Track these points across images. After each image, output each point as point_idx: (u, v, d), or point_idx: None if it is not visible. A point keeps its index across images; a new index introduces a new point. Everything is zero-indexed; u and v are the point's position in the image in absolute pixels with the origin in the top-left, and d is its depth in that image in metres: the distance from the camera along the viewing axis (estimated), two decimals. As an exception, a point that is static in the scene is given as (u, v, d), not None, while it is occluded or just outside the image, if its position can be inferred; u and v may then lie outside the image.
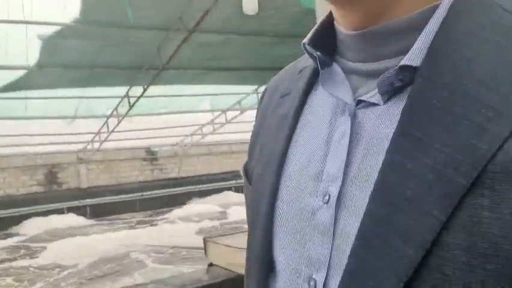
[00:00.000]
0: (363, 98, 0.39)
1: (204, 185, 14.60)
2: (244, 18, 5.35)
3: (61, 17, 4.84)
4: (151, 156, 15.03)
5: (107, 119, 9.39)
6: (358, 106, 0.39)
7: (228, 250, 2.36)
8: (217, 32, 5.73)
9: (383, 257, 0.31)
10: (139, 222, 11.09)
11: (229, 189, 14.79)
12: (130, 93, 7.72)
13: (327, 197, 0.38)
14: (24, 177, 13.13)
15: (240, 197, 13.96)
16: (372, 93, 0.38)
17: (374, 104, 0.38)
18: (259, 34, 5.97)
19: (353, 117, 0.39)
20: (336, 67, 0.43)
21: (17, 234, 10.37)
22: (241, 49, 6.43)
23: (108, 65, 6.39)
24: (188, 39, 5.34)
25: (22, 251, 8.08)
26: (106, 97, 7.98)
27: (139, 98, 7.42)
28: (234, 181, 15.12)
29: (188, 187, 14.31)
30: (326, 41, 0.44)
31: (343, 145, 0.39)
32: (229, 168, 16.08)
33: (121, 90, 7.72)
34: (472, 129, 0.29)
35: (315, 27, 0.45)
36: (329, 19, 0.45)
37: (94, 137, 11.36)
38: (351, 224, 0.35)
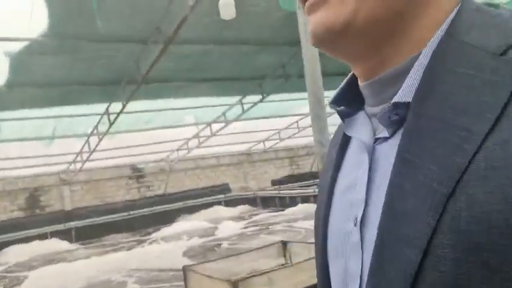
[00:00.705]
0: (378, 136, 0.47)
1: (193, 201, 14.21)
2: (223, 27, 5.13)
3: (28, 32, 4.54)
4: (137, 173, 14.62)
5: (88, 138, 9.05)
6: (376, 143, 0.47)
7: (209, 281, 2.10)
8: (197, 43, 5.50)
9: (392, 262, 0.38)
10: (125, 244, 10.66)
11: (218, 203, 14.43)
12: (111, 110, 7.42)
13: (355, 221, 0.46)
14: (5, 203, 12.62)
15: (229, 211, 13.69)
16: (382, 128, 0.46)
17: (387, 138, 0.45)
18: (239, 43, 5.75)
19: (372, 152, 0.46)
20: (361, 113, 0.51)
21: (-4, 264, 9.85)
22: (222, 59, 6.20)
23: (83, 82, 6.09)
24: (167, 51, 5.08)
25: (1, 282, 7.63)
26: (84, 115, 7.66)
27: (118, 114, 7.12)
28: (223, 195, 14.79)
29: (176, 204, 13.91)
30: (355, 95, 0.53)
31: (364, 176, 0.46)
32: (218, 182, 15.77)
33: (101, 107, 7.42)
34: (450, 148, 0.35)
35: (340, 86, 0.54)
36: (352, 79, 0.53)
37: (76, 157, 10.97)
38: (372, 240, 0.41)
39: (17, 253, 10.67)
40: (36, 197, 13.08)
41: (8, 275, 8.40)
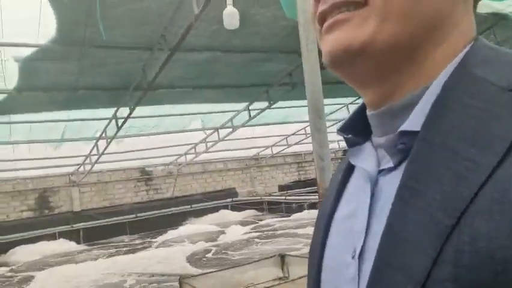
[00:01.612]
0: (382, 167, 0.46)
1: (200, 204, 14.25)
2: (230, 35, 5.14)
3: (37, 38, 4.62)
4: (145, 176, 14.72)
5: (97, 141, 9.14)
6: (380, 174, 0.46)
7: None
8: (204, 50, 5.52)
9: None
10: (132, 246, 10.73)
11: (225, 207, 14.44)
12: (119, 115, 7.49)
13: (353, 253, 0.44)
14: (15, 203, 12.80)
15: (236, 215, 13.69)
16: (387, 160, 0.45)
17: (391, 169, 0.44)
18: (246, 51, 5.77)
19: (375, 183, 0.46)
20: (367, 144, 0.51)
21: (3, 264, 9.98)
22: (229, 66, 6.22)
23: (91, 87, 6.16)
24: (174, 58, 5.12)
25: (6, 282, 7.72)
26: (92, 119, 7.74)
27: (126, 119, 7.18)
28: (230, 199, 14.80)
29: (183, 207, 13.96)
30: (363, 125, 0.52)
31: (365, 207, 0.45)
32: (225, 186, 15.79)
33: (109, 112, 7.49)
34: (457, 179, 0.35)
35: (350, 114, 0.54)
36: (362, 109, 0.53)
37: (85, 159, 11.09)
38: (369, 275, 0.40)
39: (25, 253, 10.81)
40: (45, 198, 13.24)
41: (17, 274, 8.50)
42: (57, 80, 5.68)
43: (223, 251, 8.52)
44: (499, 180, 0.33)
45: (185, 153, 13.00)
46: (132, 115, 7.09)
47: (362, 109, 0.53)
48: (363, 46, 0.42)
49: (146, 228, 12.93)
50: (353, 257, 0.44)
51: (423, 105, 0.41)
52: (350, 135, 0.53)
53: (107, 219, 12.98)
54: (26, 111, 6.60)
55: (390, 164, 0.44)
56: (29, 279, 7.61)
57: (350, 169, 0.55)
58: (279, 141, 14.19)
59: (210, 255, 8.33)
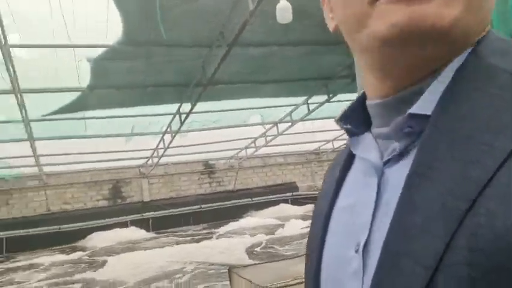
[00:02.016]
0: (387, 158, 0.45)
1: (260, 198, 14.45)
2: (286, 29, 5.15)
3: (105, 39, 4.97)
4: (208, 169, 15.24)
5: (163, 135, 9.62)
6: (385, 166, 0.45)
7: (248, 285, 2.16)
8: (261, 45, 5.58)
9: (398, 279, 0.36)
10: (196, 236, 11.19)
11: (285, 201, 14.51)
12: (182, 110, 7.82)
13: (357, 247, 0.44)
14: (92, 193, 13.90)
15: (296, 210, 13.68)
16: (392, 148, 0.44)
17: (397, 159, 0.43)
18: (303, 44, 5.73)
19: (380, 175, 0.44)
20: (367, 134, 0.50)
21: (81, 248, 10.90)
22: (286, 60, 6.22)
23: (156, 84, 6.49)
24: (232, 54, 5.24)
25: (83, 265, 8.44)
26: (158, 115, 8.15)
27: (188, 114, 7.48)
28: (290, 193, 14.83)
29: (244, 200, 14.26)
30: (362, 116, 0.52)
31: (371, 199, 0.44)
32: (285, 180, 15.84)
33: (173, 108, 7.85)
34: (470, 163, 0.34)
35: (350, 104, 0.53)
36: (362, 98, 0.52)
37: (153, 153, 11.73)
38: (374, 268, 0.39)
39: (101, 239, 11.74)
40: (118, 188, 14.22)
41: (93, 259, 9.26)
42: (126, 78, 6.07)
43: (280, 244, 8.59)
44: None
45: (246, 147, 13.22)
46: (194, 110, 7.37)
47: (361, 99, 0.52)
48: (450, 27, 0.38)
49: (209, 219, 13.41)
50: (357, 251, 0.44)
51: (434, 90, 0.40)
52: (348, 126, 0.52)
53: (173, 210, 13.67)
54: (98, 108, 7.12)
55: (395, 153, 0.44)
56: (102, 264, 8.25)
57: (348, 161, 0.54)
58: (340, 136, 13.91)
59: (268, 248, 8.45)
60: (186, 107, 7.50)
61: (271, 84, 7.17)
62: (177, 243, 10.13)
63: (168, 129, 9.00)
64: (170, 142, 9.49)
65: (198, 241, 9.95)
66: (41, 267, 8.72)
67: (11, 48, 4.56)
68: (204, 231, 11.91)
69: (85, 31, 4.64)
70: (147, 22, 4.56)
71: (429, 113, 0.40)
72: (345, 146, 0.61)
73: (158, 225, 13.27)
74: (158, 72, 6.07)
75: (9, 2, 3.90)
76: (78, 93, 6.36)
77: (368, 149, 0.48)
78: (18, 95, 5.69)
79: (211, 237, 10.47)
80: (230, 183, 15.16)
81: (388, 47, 0.41)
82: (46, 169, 12.11)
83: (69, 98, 6.44)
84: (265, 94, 7.67)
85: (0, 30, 4.11)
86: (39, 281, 7.42)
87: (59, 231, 12.22)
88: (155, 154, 11.78)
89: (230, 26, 4.88)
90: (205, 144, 11.20)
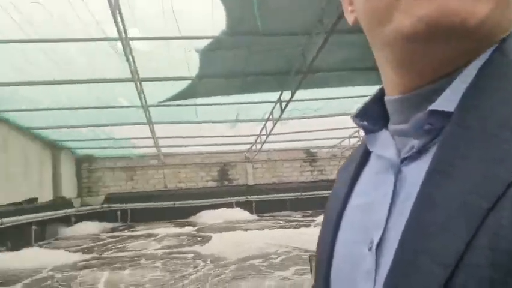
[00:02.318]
0: (405, 155, 0.44)
1: (363, 189, 14.05)
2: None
3: (211, 31, 5.32)
4: (310, 157, 15.29)
5: (265, 122, 9.94)
6: (402, 163, 0.44)
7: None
8: (359, 32, 5.41)
9: (414, 278, 0.35)
10: (294, 221, 11.41)
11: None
12: (282, 98, 8.00)
13: (370, 245, 0.43)
14: (202, 173, 15.04)
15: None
16: (410, 145, 0.43)
17: (415, 157, 0.42)
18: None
19: (397, 172, 0.44)
20: (384, 131, 0.49)
21: (192, 224, 11.91)
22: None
23: (258, 72, 6.74)
24: (331, 42, 5.20)
25: (191, 240, 9.24)
26: (260, 102, 8.45)
27: (288, 102, 7.61)
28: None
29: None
30: (378, 112, 0.51)
31: (387, 197, 0.43)
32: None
33: (275, 96, 8.07)
34: (493, 161, 0.33)
35: (366, 101, 0.53)
36: (379, 95, 0.51)
37: (256, 139, 12.21)
38: (388, 268, 0.38)
39: (209, 217, 12.67)
40: (225, 171, 15.13)
41: (199, 233, 10.08)
42: (230, 66, 6.43)
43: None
44: None
45: (350, 137, 12.93)
46: (294, 98, 7.47)
47: (379, 96, 0.51)
48: (481, 24, 0.37)
49: (309, 207, 13.51)
50: (370, 249, 0.43)
51: (456, 88, 0.39)
52: (365, 122, 0.51)
53: (275, 195, 14.10)
54: (206, 95, 7.66)
55: (413, 151, 0.43)
56: (208, 240, 8.93)
57: (364, 158, 0.53)
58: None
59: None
60: (286, 95, 7.65)
61: (373, 72, 6.90)
62: (277, 227, 10.45)
63: (270, 117, 9.28)
64: (272, 129, 9.77)
65: (296, 227, 10.13)
66: (158, 237, 9.79)
67: (130, 42, 5.17)
68: (303, 218, 12.06)
69: (192, 25, 5.04)
70: (248, 13, 4.77)
71: (451, 110, 0.39)
72: (360, 142, 0.61)
73: (261, 209, 13.82)
74: (260, 61, 6.30)
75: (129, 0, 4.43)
76: (188, 82, 6.93)
77: (385, 146, 0.48)
78: (138, 84, 6.43)
79: (309, 225, 10.56)
80: (332, 173, 15.01)
81: (412, 42, 0.39)
82: (164, 150, 13.43)
83: (181, 86, 7.05)
84: (367, 82, 7.42)
85: (122, 25, 4.69)
86: (155, 250, 8.35)
87: (174, 206, 13.53)
88: (258, 140, 12.23)
89: (328, 14, 4.84)
90: (306, 132, 11.26)
